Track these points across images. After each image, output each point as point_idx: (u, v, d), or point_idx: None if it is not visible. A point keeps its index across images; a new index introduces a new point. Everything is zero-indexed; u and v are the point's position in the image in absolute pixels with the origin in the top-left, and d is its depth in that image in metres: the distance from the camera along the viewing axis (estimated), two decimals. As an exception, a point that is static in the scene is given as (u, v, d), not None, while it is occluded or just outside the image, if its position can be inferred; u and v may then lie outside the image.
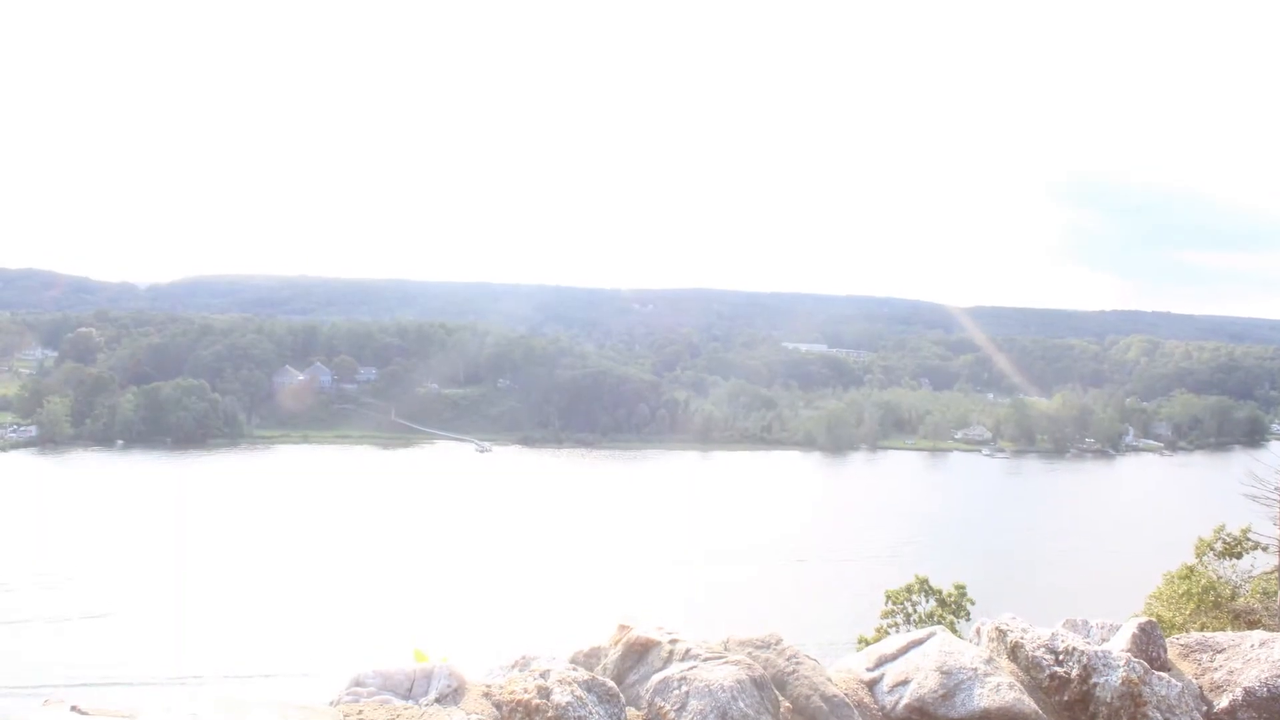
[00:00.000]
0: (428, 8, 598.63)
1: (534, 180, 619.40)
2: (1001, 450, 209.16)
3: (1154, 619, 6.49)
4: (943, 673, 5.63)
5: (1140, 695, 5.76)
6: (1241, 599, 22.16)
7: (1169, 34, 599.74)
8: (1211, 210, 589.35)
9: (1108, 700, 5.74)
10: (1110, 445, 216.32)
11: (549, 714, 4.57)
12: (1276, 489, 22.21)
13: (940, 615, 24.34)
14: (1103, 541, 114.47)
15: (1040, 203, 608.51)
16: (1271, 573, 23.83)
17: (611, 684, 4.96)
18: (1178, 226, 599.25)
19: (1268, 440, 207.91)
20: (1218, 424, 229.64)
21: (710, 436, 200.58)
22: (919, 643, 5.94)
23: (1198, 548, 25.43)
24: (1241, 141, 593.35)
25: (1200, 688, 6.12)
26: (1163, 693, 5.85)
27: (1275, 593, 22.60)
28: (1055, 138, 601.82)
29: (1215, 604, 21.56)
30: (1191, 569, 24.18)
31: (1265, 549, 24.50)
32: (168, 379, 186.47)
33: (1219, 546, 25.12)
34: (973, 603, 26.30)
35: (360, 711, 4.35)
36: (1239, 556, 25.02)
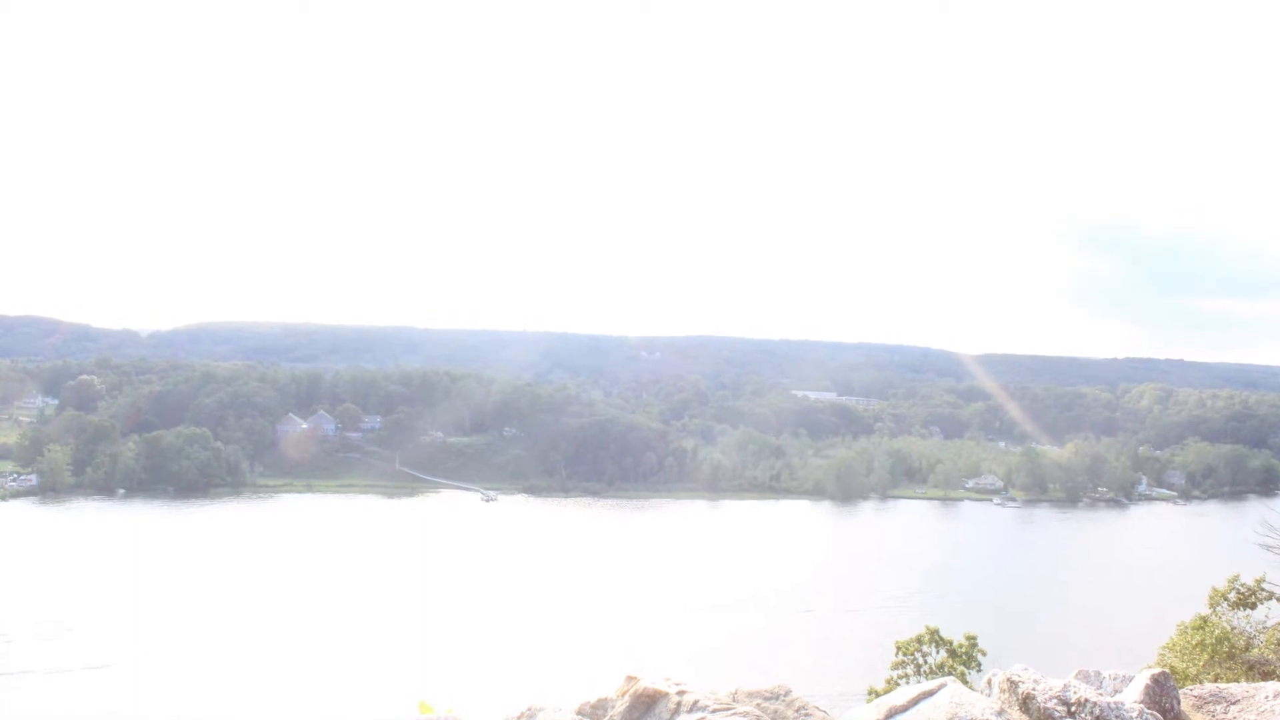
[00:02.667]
0: (433, 50, 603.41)
1: (540, 227, 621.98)
2: (1013, 499, 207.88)
3: (1167, 670, 6.41)
4: (953, 725, 5.55)
5: (1154, 748, 5.67)
6: (1256, 650, 21.88)
7: (1182, 79, 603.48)
8: (1226, 256, 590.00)
9: (1121, 753, 5.65)
10: (1123, 494, 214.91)
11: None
12: None
13: (951, 666, 24.09)
14: (1115, 591, 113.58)
15: (1052, 249, 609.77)
16: (1286, 623, 23.54)
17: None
18: (1191, 272, 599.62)
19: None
20: (1231, 473, 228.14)
21: (718, 485, 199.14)
22: (929, 694, 5.87)
23: (1211, 598, 25.16)
24: (1257, 186, 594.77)
25: (1215, 740, 6.03)
26: (1177, 745, 5.77)
27: None
28: (1067, 183, 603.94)
29: (1229, 655, 21.29)
30: (1205, 619, 23.91)
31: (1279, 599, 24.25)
32: (169, 427, 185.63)
33: (1233, 596, 24.86)
34: (984, 653, 26.02)
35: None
36: (1253, 607, 24.75)
